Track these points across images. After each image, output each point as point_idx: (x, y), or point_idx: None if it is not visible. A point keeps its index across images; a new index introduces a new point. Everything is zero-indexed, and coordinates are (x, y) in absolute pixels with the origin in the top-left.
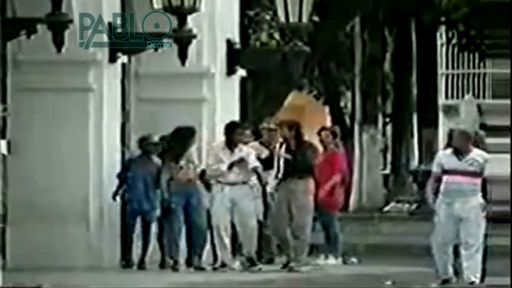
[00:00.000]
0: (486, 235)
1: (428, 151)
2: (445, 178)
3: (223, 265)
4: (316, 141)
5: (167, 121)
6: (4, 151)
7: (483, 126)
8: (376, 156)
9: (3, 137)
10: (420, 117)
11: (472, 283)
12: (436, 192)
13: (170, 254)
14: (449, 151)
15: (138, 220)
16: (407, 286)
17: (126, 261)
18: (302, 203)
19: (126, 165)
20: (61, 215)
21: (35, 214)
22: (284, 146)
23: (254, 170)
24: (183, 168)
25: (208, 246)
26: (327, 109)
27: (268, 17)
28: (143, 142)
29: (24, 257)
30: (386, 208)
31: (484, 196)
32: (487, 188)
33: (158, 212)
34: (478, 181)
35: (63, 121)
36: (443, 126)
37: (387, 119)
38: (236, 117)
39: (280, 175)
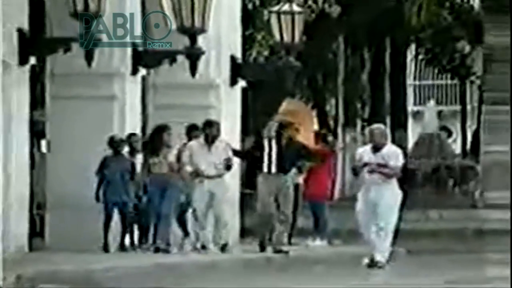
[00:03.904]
0: (399, 219)
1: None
2: (365, 169)
3: (203, 247)
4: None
5: (180, 124)
6: (44, 150)
7: (443, 128)
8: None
9: (44, 137)
10: (392, 121)
11: (377, 262)
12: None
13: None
14: (368, 146)
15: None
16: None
17: (104, 245)
18: (290, 194)
19: (102, 163)
20: (86, 205)
21: (68, 203)
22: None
23: (226, 161)
24: (156, 164)
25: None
26: (315, 113)
27: (259, 37)
28: (112, 141)
29: (59, 239)
30: None
31: (402, 183)
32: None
33: (132, 203)
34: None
35: (92, 124)
36: (412, 128)
37: (365, 123)
38: (238, 121)
39: (273, 168)
